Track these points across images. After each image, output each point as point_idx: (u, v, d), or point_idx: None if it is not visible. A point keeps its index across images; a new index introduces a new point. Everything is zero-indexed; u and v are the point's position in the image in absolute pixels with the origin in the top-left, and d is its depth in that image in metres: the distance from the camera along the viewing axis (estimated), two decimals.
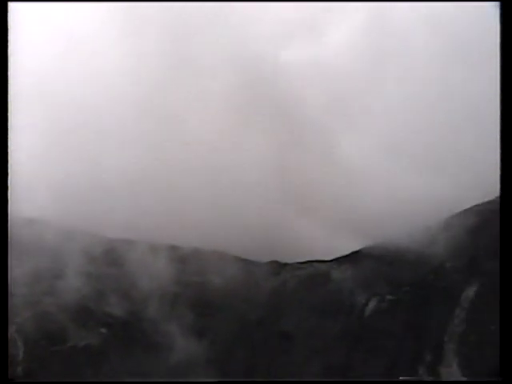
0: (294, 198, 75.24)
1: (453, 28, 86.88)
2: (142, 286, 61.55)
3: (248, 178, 74.25)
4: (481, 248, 55.49)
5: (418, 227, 61.08)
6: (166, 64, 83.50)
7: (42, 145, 71.37)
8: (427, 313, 54.34)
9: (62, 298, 57.35)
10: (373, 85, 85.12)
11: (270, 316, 60.76)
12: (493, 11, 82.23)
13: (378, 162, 75.77)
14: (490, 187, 62.58)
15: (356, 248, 65.04)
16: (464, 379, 46.29)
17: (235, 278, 63.61)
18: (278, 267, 67.26)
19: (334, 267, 63.89)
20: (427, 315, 54.19)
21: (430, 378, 32.52)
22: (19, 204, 47.16)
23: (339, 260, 64.53)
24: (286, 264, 67.44)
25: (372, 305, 58.38)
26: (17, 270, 53.99)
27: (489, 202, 60.91)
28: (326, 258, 65.70)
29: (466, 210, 61.88)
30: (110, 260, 63.34)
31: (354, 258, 63.84)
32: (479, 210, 60.75)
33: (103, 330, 58.13)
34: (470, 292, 51.66)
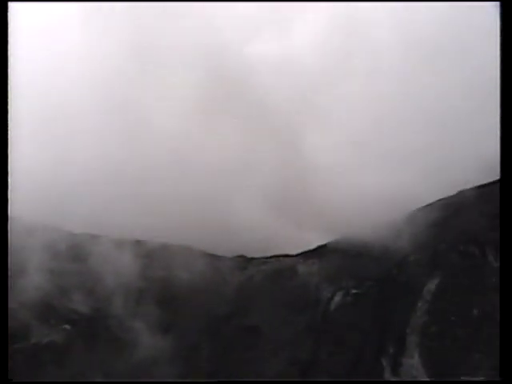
0: (260, 193, 75.42)
1: (416, 26, 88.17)
2: (106, 281, 60.80)
3: (214, 172, 74.11)
4: (443, 241, 56.43)
5: (383, 222, 61.70)
6: (133, 58, 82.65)
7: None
8: (391, 306, 55.02)
9: (24, 295, 56.18)
10: (339, 80, 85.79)
11: (237, 311, 60.79)
12: (461, 10, 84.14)
13: (343, 158, 76.48)
14: (452, 182, 64.04)
15: (322, 242, 65.56)
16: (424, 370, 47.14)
17: (202, 272, 63.39)
18: (245, 262, 67.33)
19: (301, 262, 64.27)
20: (391, 308, 54.87)
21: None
22: None
23: (305, 254, 64.92)
24: (252, 258, 67.56)
25: (337, 299, 58.91)
26: None
27: (452, 196, 62.15)
28: (292, 253, 66.07)
29: (429, 205, 62.61)
30: (73, 255, 62.37)
31: (320, 252, 64.32)
32: (442, 205, 61.76)
33: (67, 327, 57.27)
34: (432, 285, 52.52)
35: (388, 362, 52.15)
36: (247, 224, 70.79)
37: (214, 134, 78.54)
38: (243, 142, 79.33)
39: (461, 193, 61.60)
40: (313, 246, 65.45)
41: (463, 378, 30.34)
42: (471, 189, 60.78)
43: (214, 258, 66.68)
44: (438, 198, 63.25)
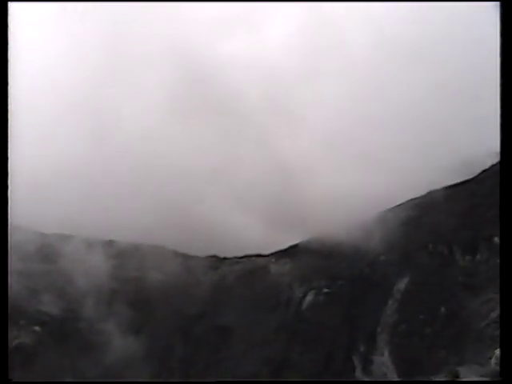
0: (233, 193, 75.43)
1: (389, 27, 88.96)
2: (77, 282, 60.15)
3: (185, 173, 73.84)
4: (413, 241, 57.06)
5: (355, 222, 62.14)
6: (104, 58, 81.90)
7: None
8: (362, 305, 55.49)
9: None
10: (310, 81, 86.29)
11: (209, 310, 60.74)
12: (435, 11, 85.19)
13: (316, 159, 76.83)
14: (422, 182, 64.76)
15: (294, 242, 65.82)
16: (394, 367, 47.69)
17: (174, 272, 63.16)
18: (217, 262, 67.30)
19: (273, 261, 64.51)
20: (362, 307, 55.34)
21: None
22: None
23: (278, 254, 65.17)
24: (224, 258, 67.58)
25: (309, 298, 59.27)
26: None
27: (421, 197, 62.81)
28: (264, 253, 66.24)
29: (400, 205, 63.27)
30: (43, 256, 61.51)
31: (292, 252, 64.60)
32: (412, 205, 62.42)
33: (37, 329, 56.49)
34: (402, 284, 53.12)
35: (359, 360, 52.64)
36: (220, 224, 70.75)
37: (187, 135, 78.31)
38: (216, 143, 79.29)
39: (430, 193, 62.33)
40: (285, 246, 65.69)
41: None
42: (440, 189, 61.55)
43: (186, 257, 66.49)
44: (408, 199, 63.85)
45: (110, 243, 64.96)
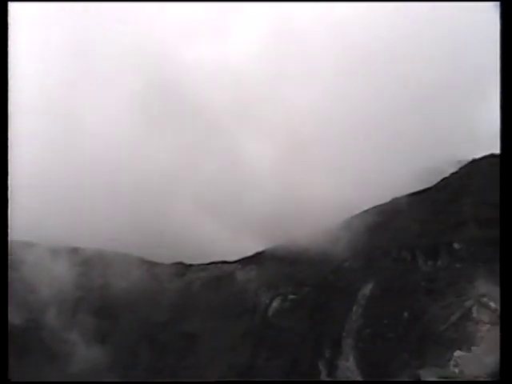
0: (198, 199, 75.28)
1: (351, 32, 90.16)
2: (41, 291, 59.23)
3: (151, 179, 73.45)
4: (377, 247, 57.89)
5: (321, 228, 62.63)
6: (69, 65, 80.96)
7: None
8: (328, 311, 56.00)
9: None
10: (275, 86, 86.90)
11: (175, 318, 60.52)
12: (394, 16, 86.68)
13: (280, 164, 77.26)
14: (387, 189, 65.82)
15: (260, 249, 66.12)
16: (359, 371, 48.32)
17: (140, 280, 62.76)
18: (183, 268, 67.09)
19: (239, 268, 64.68)
20: (328, 313, 55.85)
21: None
22: None
23: (244, 261, 65.38)
24: (191, 265, 67.43)
25: (275, 304, 59.60)
26: None
27: (386, 203, 63.78)
28: (230, 259, 66.35)
29: (365, 211, 63.96)
30: None
31: (258, 258, 64.90)
32: (377, 211, 63.21)
33: None
34: (367, 290, 53.81)
35: (324, 365, 53.12)
36: (186, 231, 70.58)
37: (151, 140, 77.97)
38: (181, 149, 79.05)
39: (394, 200, 63.28)
40: (251, 253, 65.95)
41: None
42: (403, 196, 62.60)
43: (152, 264, 66.15)
44: (373, 205, 64.67)
45: (74, 250, 64.19)
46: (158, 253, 66.64)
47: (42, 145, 73.14)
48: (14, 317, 56.99)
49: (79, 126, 76.25)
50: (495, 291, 40.10)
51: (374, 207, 64.30)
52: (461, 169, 60.75)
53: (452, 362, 31.32)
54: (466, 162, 61.35)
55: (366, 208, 64.73)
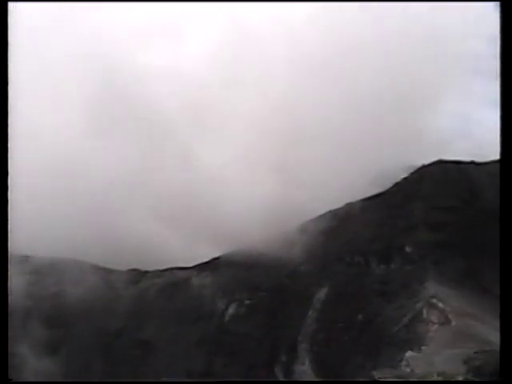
0: (154, 206, 74.59)
1: (306, 40, 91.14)
2: None
3: (105, 185, 72.34)
4: (331, 252, 58.56)
5: (276, 233, 62.93)
6: (21, 68, 78.93)
7: None
8: (283, 315, 56.28)
9: None
10: (230, 93, 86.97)
11: (130, 325, 59.72)
12: (346, 27, 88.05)
13: (236, 170, 77.22)
14: (341, 194, 66.65)
15: (216, 255, 65.96)
16: (314, 375, 48.71)
17: (94, 287, 61.64)
18: (139, 275, 66.30)
19: (195, 274, 64.37)
20: (283, 318, 56.14)
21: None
22: None
23: (200, 267, 65.09)
24: (146, 272, 66.69)
25: (231, 310, 59.57)
26: None
27: (340, 208, 64.55)
28: (186, 265, 65.96)
29: (320, 216, 64.63)
30: None
31: (214, 264, 64.71)
32: (331, 216, 63.94)
33: None
34: (322, 294, 54.37)
35: (281, 370, 53.37)
36: (141, 237, 69.75)
37: (107, 147, 76.84)
38: (135, 155, 78.20)
39: (348, 204, 64.11)
40: (207, 259, 65.73)
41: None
42: (357, 201, 63.50)
43: (107, 271, 65.11)
44: (327, 210, 65.44)
45: (25, 259, 62.52)
46: (113, 260, 65.65)
47: None
48: None
49: (33, 133, 74.38)
50: (444, 292, 41.31)
51: (329, 212, 65.01)
52: (411, 174, 62.11)
53: (404, 363, 32.08)
54: (416, 168, 62.79)
55: (320, 213, 65.49)
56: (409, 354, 33.08)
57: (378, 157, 71.83)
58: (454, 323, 35.37)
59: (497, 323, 36.44)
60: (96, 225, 69.76)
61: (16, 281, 59.40)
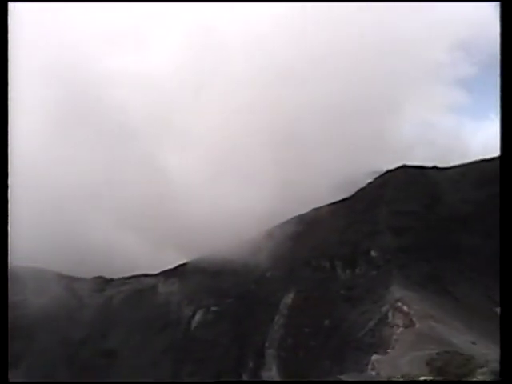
0: (119, 212, 73.78)
1: (273, 47, 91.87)
2: None
3: (70, 192, 71.28)
4: (298, 256, 58.76)
5: (243, 239, 62.94)
6: None
7: None
8: (250, 321, 56.19)
9: None
10: (196, 97, 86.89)
11: (95, 334, 58.77)
12: (312, 34, 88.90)
13: (202, 176, 77.11)
14: (307, 199, 67.17)
15: (183, 261, 65.60)
16: (281, 380, 48.66)
17: (58, 296, 60.52)
18: (104, 283, 65.40)
19: (161, 281, 63.83)
20: (250, 324, 56.04)
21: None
22: None
23: (166, 273, 64.59)
24: (111, 279, 65.84)
25: (198, 317, 59.21)
26: None
27: (306, 213, 64.98)
28: (152, 272, 65.40)
29: (286, 221, 64.95)
30: None
31: (180, 270, 64.31)
32: (298, 221, 64.32)
33: None
34: (288, 299, 54.45)
35: (248, 377, 53.16)
36: (106, 244, 68.94)
37: (69, 153, 75.71)
38: (99, 162, 77.31)
39: (314, 210, 64.58)
40: (173, 265, 65.30)
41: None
42: (323, 206, 64.01)
43: (71, 280, 64.04)
44: (294, 215, 65.72)
45: None
46: (78, 267, 64.66)
47: None
48: None
49: None
50: (408, 295, 41.85)
51: (295, 217, 65.39)
52: (376, 179, 62.90)
53: (370, 366, 32.39)
54: (380, 173, 63.67)
55: (287, 218, 65.74)
56: (374, 357, 33.40)
57: (343, 162, 72.78)
58: (417, 326, 35.85)
59: (457, 324, 37.21)
60: (59, 232, 68.65)
61: None
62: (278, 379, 49.32)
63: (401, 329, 36.73)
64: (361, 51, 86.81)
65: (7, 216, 10.42)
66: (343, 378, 32.94)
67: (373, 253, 51.97)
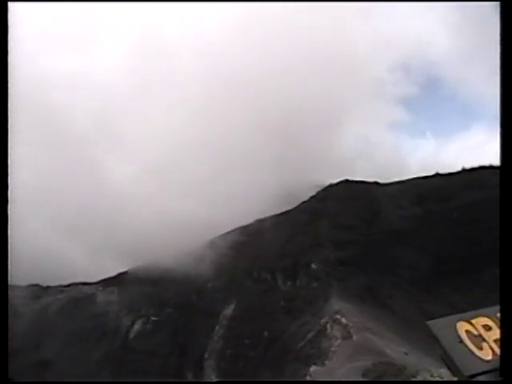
0: (57, 219, 72.06)
1: (220, 55, 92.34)
2: None
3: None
4: (239, 267, 59.04)
5: (184, 248, 62.59)
6: None
7: None
8: (190, 332, 55.95)
9: None
10: (141, 104, 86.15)
11: (29, 344, 56.87)
12: (264, 43, 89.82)
13: (145, 185, 76.28)
14: (251, 210, 67.53)
15: (122, 269, 64.67)
16: None
17: None
18: (40, 291, 63.57)
19: (100, 289, 62.64)
20: (190, 334, 55.79)
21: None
22: None
23: (105, 282, 63.46)
24: (47, 287, 64.09)
25: (137, 327, 58.44)
26: None
27: (249, 225, 65.35)
28: (91, 280, 64.11)
29: (229, 232, 65.09)
30: None
31: (120, 279, 63.34)
32: (240, 232, 64.63)
33: None
34: (229, 310, 54.58)
35: None
36: (42, 250, 67.05)
37: (10, 157, 73.25)
38: (38, 165, 75.30)
39: (257, 221, 65.05)
40: (113, 273, 64.24)
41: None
42: (266, 218, 64.59)
43: None
44: (237, 226, 65.93)
45: None
46: (12, 274, 62.34)
47: None
48: None
49: None
50: (346, 308, 42.75)
51: (238, 228, 65.63)
52: (318, 192, 64.08)
53: (308, 377, 32.90)
54: (323, 187, 64.91)
55: (230, 229, 65.91)
56: (313, 368, 33.93)
57: (287, 175, 73.73)
58: (355, 338, 36.66)
59: (392, 336, 38.33)
60: None
61: None
62: None
63: (339, 340, 37.44)
64: (306, 67, 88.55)
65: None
66: None
67: (313, 265, 52.75)
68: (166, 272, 59.79)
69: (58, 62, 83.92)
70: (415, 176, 65.25)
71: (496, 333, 6.37)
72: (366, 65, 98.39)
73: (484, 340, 6.29)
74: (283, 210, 64.70)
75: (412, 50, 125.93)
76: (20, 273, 63.06)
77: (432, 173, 64.58)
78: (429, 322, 6.39)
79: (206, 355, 53.07)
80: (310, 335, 42.61)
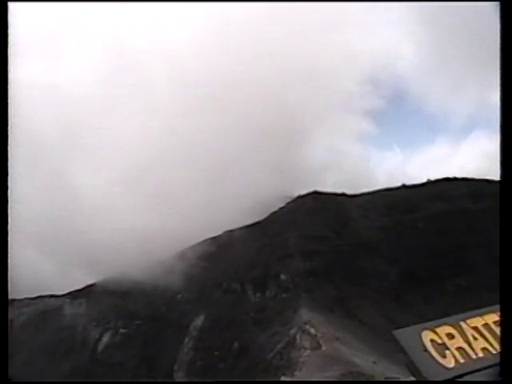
0: (22, 228, 70.52)
1: (189, 67, 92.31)
2: None
3: None
4: (209, 278, 58.98)
5: (153, 260, 62.17)
6: None
7: None
8: (160, 344, 55.51)
9: None
10: (109, 114, 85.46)
11: None
12: (234, 54, 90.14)
13: (113, 196, 75.45)
14: (220, 221, 67.45)
15: (90, 281, 63.84)
16: None
17: None
18: None
19: (68, 302, 61.76)
20: (160, 346, 55.35)
21: None
22: None
23: (73, 294, 62.57)
24: (13, 300, 62.76)
25: (105, 339, 57.70)
26: None
27: (219, 236, 65.33)
28: (58, 293, 63.14)
29: (199, 243, 64.86)
30: None
31: (88, 291, 62.54)
32: (210, 243, 64.58)
33: None
34: (199, 322, 54.40)
35: None
36: (8, 263, 65.60)
37: None
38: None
39: (227, 232, 65.13)
40: (81, 286, 63.38)
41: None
42: (236, 229, 64.72)
43: None
44: (207, 237, 65.86)
45: None
46: None
47: None
48: None
49: None
50: (315, 318, 43.16)
51: (208, 239, 65.56)
52: (288, 204, 64.58)
53: None
54: (292, 198, 65.42)
55: (199, 240, 65.79)
56: (282, 379, 34.19)
57: (256, 186, 73.96)
58: (324, 348, 37.04)
59: (361, 345, 38.84)
60: None
61: None
62: None
63: (308, 351, 37.77)
64: (274, 79, 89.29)
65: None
66: None
67: (283, 276, 53.09)
68: (134, 284, 59.25)
69: (25, 73, 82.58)
70: (383, 187, 66.38)
71: (459, 341, 6.71)
72: (335, 78, 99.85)
73: (447, 348, 6.62)
74: (253, 221, 64.89)
75: (380, 63, 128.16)
76: None
77: (399, 184, 65.86)
78: (395, 332, 6.67)
79: (176, 367, 52.75)
80: (279, 346, 42.83)
